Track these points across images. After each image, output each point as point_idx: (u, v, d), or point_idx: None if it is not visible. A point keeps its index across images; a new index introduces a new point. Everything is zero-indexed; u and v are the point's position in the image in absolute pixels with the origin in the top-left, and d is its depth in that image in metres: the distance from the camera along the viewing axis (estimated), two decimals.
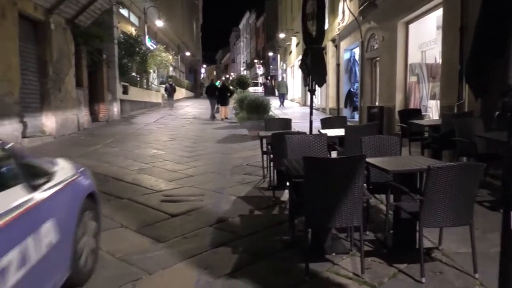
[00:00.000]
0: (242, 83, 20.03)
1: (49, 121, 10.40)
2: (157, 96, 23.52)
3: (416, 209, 3.18)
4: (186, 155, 8.74)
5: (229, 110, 16.94)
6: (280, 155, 5.08)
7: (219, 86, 17.78)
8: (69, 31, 11.40)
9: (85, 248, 2.84)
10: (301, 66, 6.78)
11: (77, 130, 11.85)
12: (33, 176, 2.27)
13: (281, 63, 36.57)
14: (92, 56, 13.05)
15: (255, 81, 41.07)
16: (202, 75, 76.04)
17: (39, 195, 2.22)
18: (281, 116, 14.32)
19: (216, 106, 16.77)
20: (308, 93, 7.35)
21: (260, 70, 50.55)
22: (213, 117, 16.82)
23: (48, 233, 2.16)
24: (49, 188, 2.38)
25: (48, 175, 2.45)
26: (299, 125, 12.01)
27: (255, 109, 11.92)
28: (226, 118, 16.30)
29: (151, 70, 21.74)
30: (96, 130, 12.49)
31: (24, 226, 1.94)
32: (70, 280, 2.59)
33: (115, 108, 15.74)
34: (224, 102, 16.46)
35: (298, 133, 5.39)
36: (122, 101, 16.37)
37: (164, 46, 24.51)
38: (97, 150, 9.22)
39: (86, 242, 2.86)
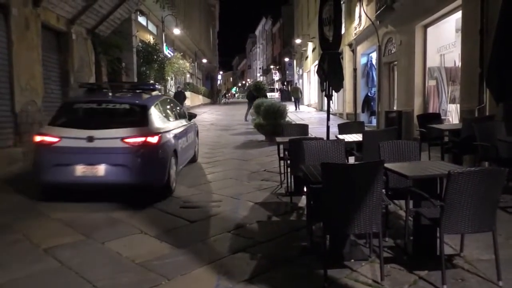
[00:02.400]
0: (258, 89, 19.99)
1: None
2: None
3: (437, 215, 3.13)
4: (204, 161, 8.80)
5: None
6: (297, 161, 5.08)
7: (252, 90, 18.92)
8: (90, 40, 11.67)
9: (196, 144, 8.28)
10: (318, 72, 6.78)
11: None
12: (188, 116, 7.87)
13: (297, 68, 36.55)
14: (111, 65, 13.31)
15: (272, 86, 41.15)
16: (218, 82, 76.68)
17: (190, 123, 7.65)
18: (298, 122, 14.32)
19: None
20: (325, 98, 7.33)
21: (276, 76, 50.73)
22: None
23: (191, 135, 7.54)
24: (191, 122, 7.83)
25: (191, 118, 8.00)
26: (316, 130, 11.96)
27: (272, 115, 11.91)
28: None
29: (168, 78, 22.03)
30: None
31: (187, 131, 7.17)
32: (193, 157, 8.06)
33: None
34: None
35: (316, 139, 5.38)
36: None
37: (182, 53, 24.82)
38: None
39: (196, 142, 8.30)
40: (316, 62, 23.11)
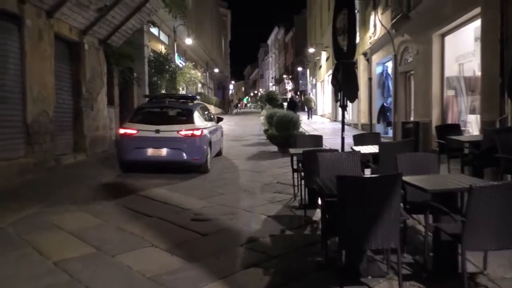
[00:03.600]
0: (271, 99, 20.14)
1: (81, 139, 10.79)
2: None
3: (458, 231, 3.07)
4: (215, 172, 8.86)
5: None
6: (311, 173, 5.06)
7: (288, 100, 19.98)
8: (102, 51, 11.89)
9: (222, 142, 11.44)
10: (332, 82, 6.78)
11: (109, 148, 12.20)
12: (217, 120, 10.91)
13: (311, 78, 36.61)
14: (123, 75, 13.51)
15: (285, 96, 41.23)
16: (230, 91, 77.15)
17: (218, 125, 10.73)
18: (311, 133, 14.29)
19: None
20: (339, 109, 7.31)
21: (289, 85, 50.79)
22: None
23: (219, 133, 10.75)
24: (218, 124, 10.86)
25: (219, 121, 11.03)
26: (330, 141, 11.92)
27: (285, 126, 11.91)
28: None
29: (180, 88, 22.25)
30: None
31: (216, 130, 10.36)
32: (219, 151, 10.99)
33: None
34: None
35: (330, 150, 5.36)
36: None
37: (193, 63, 25.10)
38: (117, 181, 9.45)
39: (222, 140, 11.44)
40: (330, 71, 23.14)
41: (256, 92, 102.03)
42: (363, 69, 17.08)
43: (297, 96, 34.25)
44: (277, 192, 6.85)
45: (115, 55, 12.62)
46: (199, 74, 24.80)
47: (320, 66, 29.67)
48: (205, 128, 9.08)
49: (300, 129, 13.01)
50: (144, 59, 15.55)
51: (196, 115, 9.07)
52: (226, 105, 45.26)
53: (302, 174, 5.73)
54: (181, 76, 20.91)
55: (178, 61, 23.18)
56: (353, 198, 3.15)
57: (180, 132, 8.51)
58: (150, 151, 8.45)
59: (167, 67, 19.13)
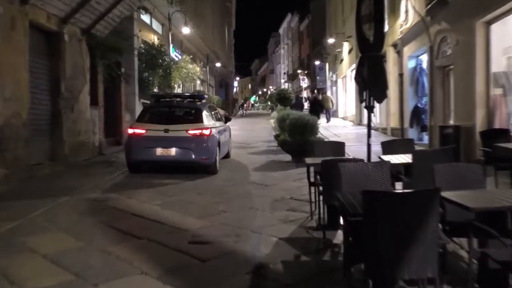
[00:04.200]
0: (282, 98, 20.14)
1: (59, 146, 10.88)
2: None
3: (509, 258, 3.04)
4: (220, 182, 8.91)
5: None
6: (331, 187, 5.05)
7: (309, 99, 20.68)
8: (85, 42, 12.03)
9: (230, 143, 13.08)
10: (356, 78, 6.79)
11: (91, 156, 12.31)
12: (225, 120, 12.59)
13: (330, 73, 36.66)
14: (109, 71, 13.65)
15: (301, 95, 41.26)
16: (234, 89, 77.47)
17: (226, 125, 12.34)
18: (331, 139, 14.28)
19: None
20: (365, 110, 7.30)
21: (304, 83, 50.84)
22: None
23: (227, 134, 12.24)
24: (226, 124, 12.44)
25: (227, 121, 12.73)
26: (354, 149, 11.89)
27: (299, 130, 11.91)
28: None
29: (175, 85, 22.40)
30: (112, 156, 12.93)
31: (225, 130, 11.87)
32: (227, 153, 12.35)
33: None
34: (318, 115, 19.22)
35: (354, 160, 5.35)
36: None
37: (191, 56, 25.27)
38: (114, 180, 9.53)
39: (230, 141, 13.10)
40: (354, 66, 23.14)
41: (265, 90, 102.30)
42: (393, 64, 17.06)
43: (313, 95, 34.16)
44: (291, 209, 6.85)
45: (100, 47, 12.77)
46: (197, 69, 25.00)
47: (342, 60, 29.70)
48: (214, 127, 10.45)
49: (318, 135, 13.02)
50: (133, 51, 15.72)
51: (205, 114, 10.45)
52: (230, 106, 45.46)
53: (321, 188, 5.73)
54: (177, 71, 21.07)
55: (174, 53, 23.37)
56: (381, 218, 3.14)
57: (189, 132, 9.85)
58: (159, 151, 9.82)
59: (160, 61, 19.30)
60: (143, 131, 9.94)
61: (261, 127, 25.34)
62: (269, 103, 54.68)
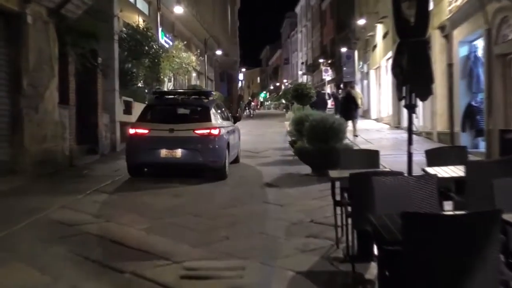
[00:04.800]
0: (300, 95, 19.96)
1: (20, 155, 10.94)
2: None
3: None
4: (221, 200, 8.92)
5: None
6: (362, 208, 5.03)
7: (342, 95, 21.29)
8: (52, 26, 12.12)
9: (239, 146, 14.61)
10: (393, 70, 6.78)
11: (60, 167, 12.37)
12: (234, 119, 14.43)
13: (360, 63, 36.70)
14: (82, 61, 13.73)
15: (323, 91, 41.26)
16: (240, 83, 77.68)
17: (235, 125, 14.20)
18: (362, 146, 14.23)
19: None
20: (404, 110, 7.28)
21: (327, 75, 51.00)
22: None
23: (236, 136, 13.90)
24: (235, 125, 14.27)
25: (236, 121, 14.67)
26: (391, 159, 11.85)
27: (322, 135, 11.90)
28: (356, 136, 19.31)
29: (165, 78, 22.53)
30: (86, 167, 13.01)
31: (234, 131, 13.53)
32: (236, 157, 13.81)
33: (114, 135, 16.38)
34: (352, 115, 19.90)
35: (391, 173, 5.34)
36: (123, 124, 16.99)
37: (185, 42, 25.45)
38: (88, 198, 9.57)
39: (239, 144, 14.73)
40: (390, 54, 23.09)
41: (278, 84, 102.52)
42: (440, 51, 17.02)
43: (339, 91, 34.05)
44: (311, 236, 6.85)
45: (71, 32, 12.85)
46: (193, 58, 25.11)
47: (374, 46, 29.71)
48: (222, 127, 11.85)
49: (345, 141, 13.00)
50: (113, 37, 15.83)
51: (213, 112, 11.82)
52: (234, 104, 45.47)
53: (349, 209, 5.73)
54: (167, 61, 21.19)
55: (163, 39, 23.54)
56: (426, 247, 3.13)
57: (196, 131, 11.12)
58: (163, 152, 11.07)
59: (146, 48, 19.44)
60: (146, 131, 11.27)
61: (274, 132, 25.36)
62: (283, 100, 54.73)
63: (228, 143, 11.91)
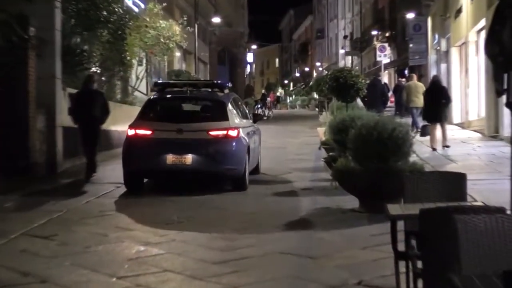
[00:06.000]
0: (343, 86, 19.72)
1: None
2: None
3: None
4: (213, 258, 8.89)
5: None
6: (441, 263, 5.01)
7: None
8: None
9: (260, 152, 17.97)
10: (487, 48, 6.76)
11: None
12: (253, 118, 18.46)
13: (435, 38, 36.65)
14: (5, 32, 13.78)
15: (379, 77, 41.02)
16: (248, 68, 77.65)
17: (255, 126, 17.61)
18: (440, 167, 14.09)
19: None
20: (506, 111, 7.23)
21: (384, 56, 50.91)
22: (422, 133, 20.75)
23: (257, 139, 17.18)
24: (255, 125, 17.78)
25: (256, 120, 18.73)
26: (485, 187, 11.75)
27: (377, 149, 11.83)
28: (447, 146, 19.66)
29: (134, 60, 22.63)
30: (9, 196, 13.12)
31: (255, 132, 16.90)
32: (256, 165, 16.83)
33: (53, 148, 16.41)
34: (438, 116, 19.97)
35: (487, 210, 5.29)
36: (67, 130, 17.00)
37: (164, 4, 25.65)
38: (13, 246, 9.62)
39: (260, 150, 17.89)
40: (483, 23, 22.99)
41: (307, 69, 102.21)
42: None
43: (403, 80, 33.88)
44: None
45: None
46: (176, 28, 25.24)
47: (458, 11, 29.66)
48: (242, 127, 14.17)
49: (413, 158, 12.94)
50: None
51: (230, 109, 14.06)
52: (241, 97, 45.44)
53: (419, 264, 5.73)
54: (137, 34, 21.28)
55: (130, 0, 23.63)
56: None
57: (211, 133, 13.20)
58: (170, 158, 13.09)
59: (105, 13, 19.50)
60: (149, 132, 13.36)
61: (300, 143, 25.41)
62: (315, 94, 54.56)
63: (249, 147, 14.13)
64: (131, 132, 13.32)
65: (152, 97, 16.37)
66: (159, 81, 20.05)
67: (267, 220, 11.46)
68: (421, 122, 23.46)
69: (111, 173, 16.59)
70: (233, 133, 13.04)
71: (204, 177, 13.33)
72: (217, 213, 11.92)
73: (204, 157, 12.85)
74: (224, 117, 13.35)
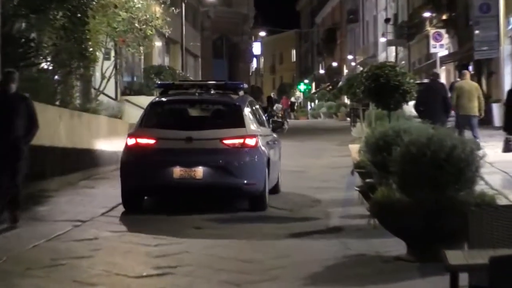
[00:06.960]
0: (384, 87, 19.75)
1: None
2: (116, 128, 24.43)
3: None
4: None
5: None
6: None
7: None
8: None
9: (280, 166, 21.63)
10: None
11: None
12: (273, 126, 24.02)
13: (509, 21, 36.70)
14: None
15: (438, 78, 41.12)
16: (254, 63, 77.85)
17: (274, 135, 21.79)
18: None
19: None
20: None
21: (440, 46, 50.94)
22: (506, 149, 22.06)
23: (277, 150, 21.25)
24: (274, 134, 22.03)
25: (276, 129, 23.89)
26: None
27: (431, 174, 11.86)
28: None
29: (99, 52, 22.76)
30: None
31: (274, 143, 20.81)
32: (277, 183, 19.99)
33: None
34: None
35: None
36: None
37: None
38: None
39: (280, 164, 21.68)
40: None
41: (334, 64, 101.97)
42: None
43: (458, 80, 33.89)
44: None
45: None
46: (156, 10, 25.43)
47: None
48: (261, 135, 15.80)
49: (480, 185, 12.94)
50: None
51: (246, 114, 15.60)
52: None
53: None
54: (103, 17, 21.42)
55: None
56: None
57: (225, 141, 14.60)
58: (177, 172, 14.57)
59: None
60: (152, 141, 14.59)
61: (325, 166, 25.60)
62: (345, 99, 54.57)
63: (269, 160, 15.85)
64: (131, 141, 14.42)
65: (155, 100, 17.44)
66: (160, 82, 21.98)
67: (283, 271, 11.40)
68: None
69: (67, 207, 16.68)
70: (251, 141, 14.48)
71: (217, 194, 14.12)
72: (217, 260, 11.89)
73: (217, 170, 14.03)
74: (240, 123, 14.72)
